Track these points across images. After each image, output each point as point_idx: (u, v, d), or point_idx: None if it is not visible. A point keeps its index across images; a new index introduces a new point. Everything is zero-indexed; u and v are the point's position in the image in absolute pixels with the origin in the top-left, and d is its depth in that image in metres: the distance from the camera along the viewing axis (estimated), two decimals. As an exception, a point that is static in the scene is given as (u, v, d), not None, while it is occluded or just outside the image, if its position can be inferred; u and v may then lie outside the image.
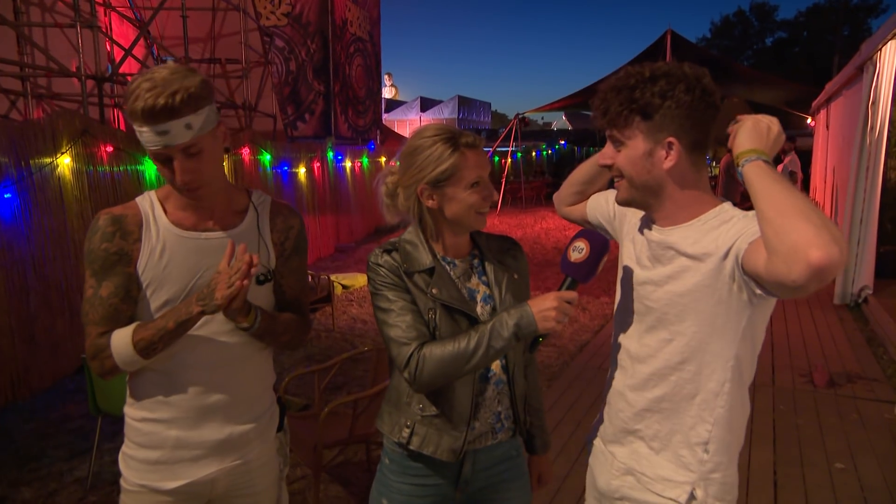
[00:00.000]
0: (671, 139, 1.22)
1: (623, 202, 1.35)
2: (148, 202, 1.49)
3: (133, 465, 1.54)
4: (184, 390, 1.49)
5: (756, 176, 1.12)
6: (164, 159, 1.37)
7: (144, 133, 1.33)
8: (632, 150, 1.27)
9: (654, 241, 1.34)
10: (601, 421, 1.55)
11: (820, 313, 6.39)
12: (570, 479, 3.22)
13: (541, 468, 1.76)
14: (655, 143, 1.24)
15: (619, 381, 1.45)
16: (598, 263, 1.35)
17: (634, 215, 1.46)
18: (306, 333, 1.70)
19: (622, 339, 1.45)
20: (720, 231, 1.21)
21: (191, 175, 1.39)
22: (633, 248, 1.42)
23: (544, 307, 1.34)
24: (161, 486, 1.52)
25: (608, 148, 1.33)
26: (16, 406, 4.31)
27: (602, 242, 1.35)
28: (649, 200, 1.31)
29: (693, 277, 1.25)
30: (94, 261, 1.43)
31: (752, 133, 1.20)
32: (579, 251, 1.35)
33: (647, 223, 1.39)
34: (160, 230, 1.46)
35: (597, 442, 1.56)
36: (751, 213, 1.17)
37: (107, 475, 3.37)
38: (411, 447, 1.51)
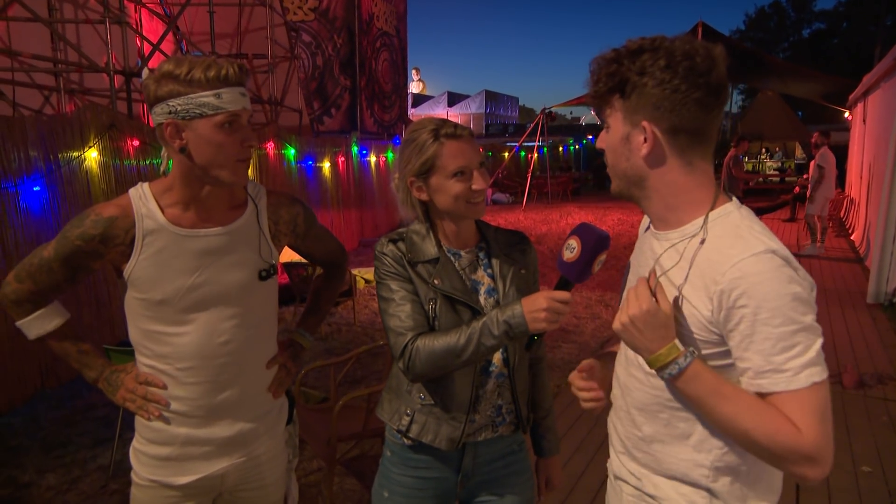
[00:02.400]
0: (645, 123, 1.09)
1: (614, 192, 1.23)
2: (142, 200, 1.43)
3: (144, 460, 1.56)
4: (192, 389, 1.50)
5: (694, 397, 1.07)
6: (232, 121, 1.37)
7: (225, 94, 1.34)
8: (612, 134, 1.14)
9: (648, 251, 1.22)
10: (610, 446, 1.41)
11: (852, 312, 6.21)
12: (586, 478, 3.18)
13: (549, 471, 1.73)
14: (633, 127, 1.11)
15: (613, 410, 1.34)
16: (592, 262, 1.27)
17: (641, 229, 1.36)
18: (345, 272, 1.90)
19: (617, 363, 1.33)
20: (706, 274, 1.06)
21: (253, 140, 1.45)
22: (636, 267, 1.30)
23: (535, 308, 1.31)
24: (172, 482, 1.54)
25: (604, 130, 1.20)
26: (44, 394, 4.42)
27: (596, 240, 1.25)
28: (634, 192, 1.18)
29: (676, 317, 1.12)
30: (64, 246, 1.41)
31: (640, 330, 1.09)
32: (571, 250, 1.28)
33: (646, 230, 1.28)
34: (156, 230, 1.42)
35: (609, 474, 1.43)
36: (744, 225, 1.08)
37: (128, 464, 3.39)
38: (410, 434, 1.51)
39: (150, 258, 1.42)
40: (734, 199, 1.15)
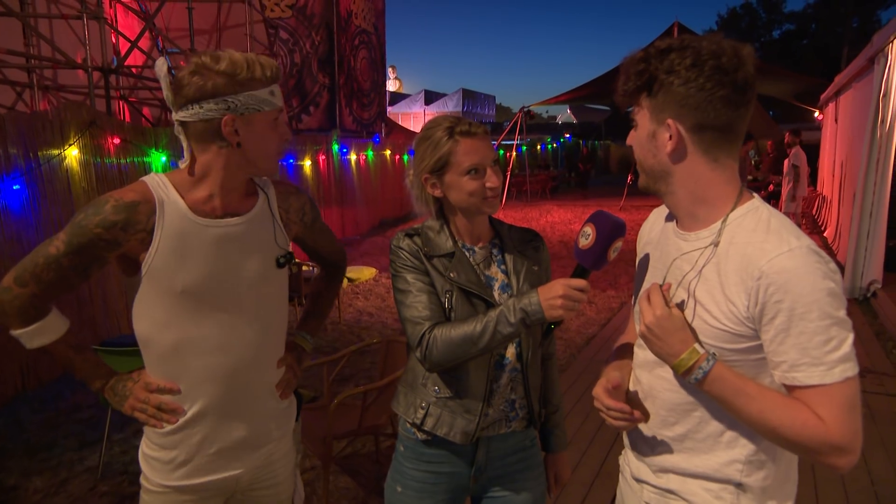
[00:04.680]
0: (670, 120, 1.11)
1: (642, 187, 1.25)
2: (162, 188, 1.39)
3: (155, 465, 1.50)
4: (204, 393, 1.47)
5: (720, 398, 1.10)
6: (278, 116, 1.42)
7: (275, 90, 1.41)
8: (640, 131, 1.17)
9: (675, 252, 1.21)
10: (625, 446, 1.40)
11: (828, 307, 6.35)
12: (579, 471, 3.22)
13: (557, 467, 1.74)
14: (659, 125, 1.13)
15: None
16: (608, 249, 1.27)
17: (653, 231, 1.36)
18: (343, 275, 1.91)
19: (636, 366, 1.33)
20: (742, 268, 1.07)
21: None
22: (659, 269, 1.28)
23: (551, 295, 1.33)
24: (185, 486, 1.50)
25: (633, 128, 1.23)
26: (26, 396, 4.33)
27: (611, 226, 1.26)
28: (660, 188, 1.19)
29: (702, 324, 1.13)
30: (79, 236, 1.33)
31: (658, 337, 1.13)
32: (586, 237, 1.28)
33: (665, 229, 1.28)
34: (177, 219, 1.38)
35: (622, 474, 1.42)
36: (773, 223, 1.09)
37: (117, 465, 3.38)
38: (425, 427, 1.52)
39: (170, 246, 1.38)
40: (756, 195, 1.17)
